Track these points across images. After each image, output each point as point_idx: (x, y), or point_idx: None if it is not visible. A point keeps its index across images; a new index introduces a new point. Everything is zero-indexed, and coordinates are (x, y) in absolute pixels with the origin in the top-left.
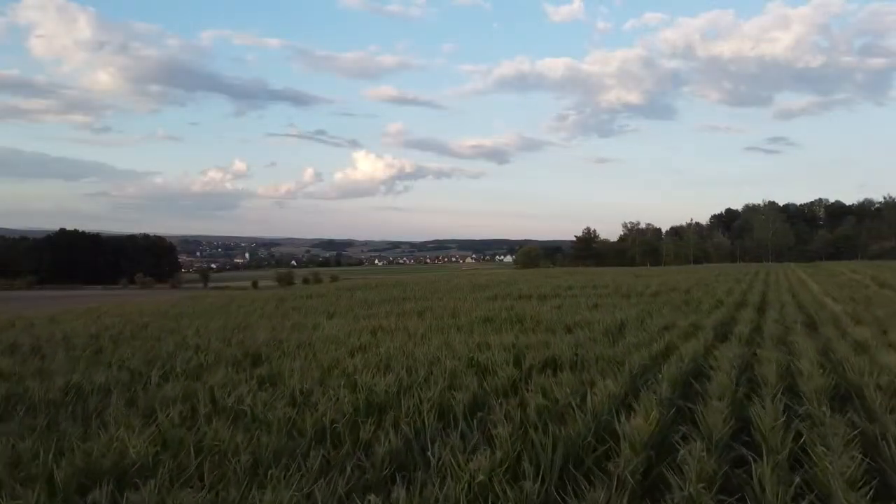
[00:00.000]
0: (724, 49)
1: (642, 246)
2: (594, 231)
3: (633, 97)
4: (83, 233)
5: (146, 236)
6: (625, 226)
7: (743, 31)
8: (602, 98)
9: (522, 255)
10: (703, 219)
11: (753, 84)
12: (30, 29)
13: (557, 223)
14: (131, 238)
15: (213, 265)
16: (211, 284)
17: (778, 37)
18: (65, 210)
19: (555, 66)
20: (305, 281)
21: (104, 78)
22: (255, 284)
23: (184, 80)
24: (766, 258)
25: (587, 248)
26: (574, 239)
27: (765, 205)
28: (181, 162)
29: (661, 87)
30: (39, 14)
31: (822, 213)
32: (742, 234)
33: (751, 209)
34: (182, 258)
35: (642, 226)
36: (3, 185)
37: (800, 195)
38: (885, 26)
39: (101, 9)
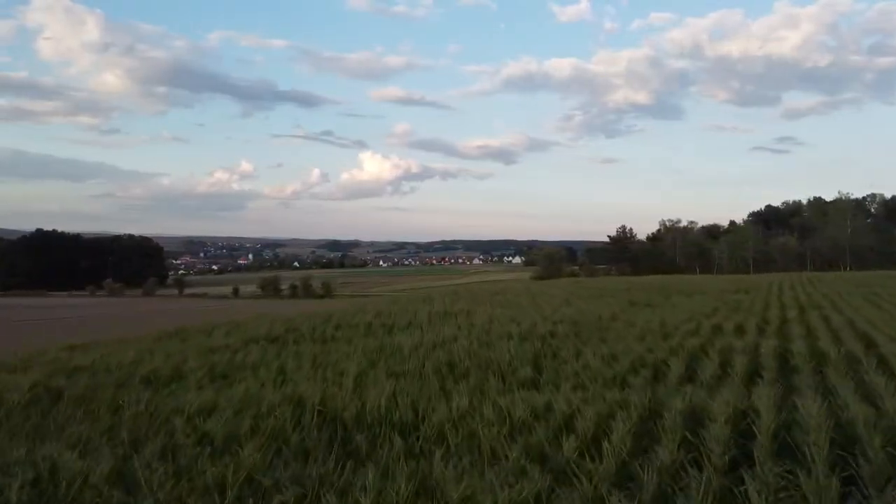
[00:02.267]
0: (732, 49)
1: (687, 247)
2: (630, 230)
3: (641, 97)
4: (62, 233)
5: (131, 237)
6: (662, 223)
7: (751, 31)
8: (609, 98)
9: (544, 258)
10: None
11: (761, 84)
12: (37, 31)
13: (565, 224)
14: (116, 238)
15: (216, 266)
16: (189, 290)
17: (786, 36)
18: (67, 211)
19: (561, 66)
20: (293, 288)
21: (111, 79)
22: (235, 292)
23: (190, 81)
24: (844, 262)
25: (622, 251)
26: (589, 240)
27: (841, 198)
28: (187, 163)
29: (668, 87)
30: (47, 16)
31: (874, 209)
32: (810, 233)
33: (816, 204)
34: (186, 259)
35: (683, 223)
36: (7, 185)
37: (807, 195)
38: (894, 25)
39: (108, 10)
